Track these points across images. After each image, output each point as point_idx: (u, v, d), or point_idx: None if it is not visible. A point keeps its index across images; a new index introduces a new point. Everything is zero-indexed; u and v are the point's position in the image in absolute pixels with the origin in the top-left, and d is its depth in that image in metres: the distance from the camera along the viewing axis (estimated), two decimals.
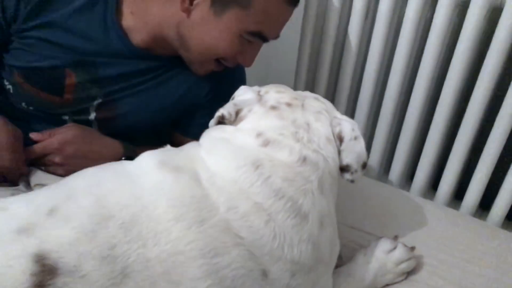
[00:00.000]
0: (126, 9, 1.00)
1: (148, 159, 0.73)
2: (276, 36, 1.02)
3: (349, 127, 0.80)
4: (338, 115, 0.84)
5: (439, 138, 1.24)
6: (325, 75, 1.34)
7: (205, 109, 1.06)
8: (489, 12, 1.09)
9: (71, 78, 1.00)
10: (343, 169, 0.79)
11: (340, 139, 0.80)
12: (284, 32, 1.03)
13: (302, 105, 0.82)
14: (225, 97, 0.87)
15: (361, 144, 0.80)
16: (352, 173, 0.79)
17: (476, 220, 1.14)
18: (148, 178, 0.70)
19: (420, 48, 1.21)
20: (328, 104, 0.87)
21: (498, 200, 1.20)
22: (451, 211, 1.16)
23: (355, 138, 0.80)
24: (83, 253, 0.60)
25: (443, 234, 1.03)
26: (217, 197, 0.69)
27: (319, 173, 0.74)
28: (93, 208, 0.65)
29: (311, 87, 1.40)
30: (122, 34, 1.00)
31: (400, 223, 1.05)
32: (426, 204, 1.15)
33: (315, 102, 0.84)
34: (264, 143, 0.74)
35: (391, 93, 1.26)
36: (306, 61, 1.35)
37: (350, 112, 1.38)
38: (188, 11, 0.96)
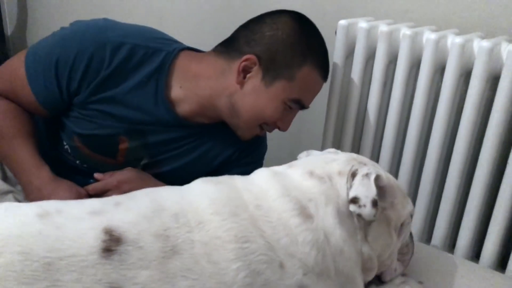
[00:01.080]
0: (176, 84, 1.16)
1: (196, 181, 0.94)
2: (309, 105, 1.21)
3: (365, 168, 0.89)
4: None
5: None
6: (349, 141, 1.49)
7: (232, 165, 1.26)
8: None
9: (124, 144, 1.17)
10: (352, 201, 0.86)
11: (353, 175, 0.89)
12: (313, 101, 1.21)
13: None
14: (247, 154, 1.18)
15: (371, 181, 0.86)
16: (360, 206, 0.85)
17: None
18: (194, 187, 0.92)
19: (432, 114, 1.34)
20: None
21: None
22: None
23: (367, 175, 0.87)
24: (142, 230, 0.78)
25: None
26: (248, 198, 0.88)
27: (325, 188, 0.89)
28: (150, 203, 0.84)
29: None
30: (169, 106, 1.15)
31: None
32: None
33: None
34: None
35: (407, 156, 1.38)
36: (332, 128, 1.51)
37: None
38: (242, 83, 1.13)
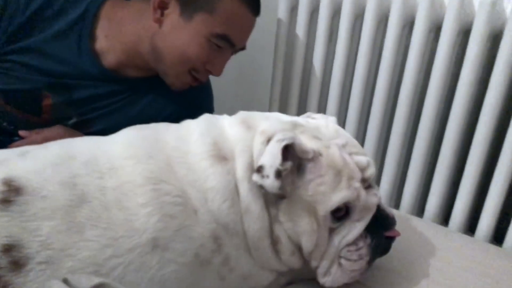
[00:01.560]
0: (101, 33, 1.10)
1: (123, 129, 0.88)
2: (243, 45, 1.13)
3: (283, 134, 0.78)
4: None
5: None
6: (296, 95, 1.43)
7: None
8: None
9: (48, 100, 1.08)
10: (257, 170, 0.76)
11: (269, 140, 0.79)
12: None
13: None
14: (193, 112, 0.97)
15: (279, 148, 0.76)
16: (263, 176, 0.76)
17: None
18: (117, 134, 0.86)
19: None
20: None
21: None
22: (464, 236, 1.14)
23: (279, 141, 0.77)
24: (46, 179, 0.73)
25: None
26: (169, 140, 0.83)
27: (248, 137, 0.82)
28: (59, 151, 0.79)
29: (284, 105, 1.48)
30: (94, 58, 1.08)
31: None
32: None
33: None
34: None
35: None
36: (279, 83, 1.46)
37: None
38: (160, 22, 1.06)
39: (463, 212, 1.22)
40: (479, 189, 1.25)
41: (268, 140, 0.79)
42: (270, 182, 0.74)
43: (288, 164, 0.76)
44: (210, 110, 1.24)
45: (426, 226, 1.17)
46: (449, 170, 1.23)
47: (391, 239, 0.89)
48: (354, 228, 0.83)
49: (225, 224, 0.79)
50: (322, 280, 0.85)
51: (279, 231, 0.81)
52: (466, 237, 1.16)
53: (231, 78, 1.52)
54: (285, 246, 0.83)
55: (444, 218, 1.31)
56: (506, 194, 1.17)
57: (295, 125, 0.84)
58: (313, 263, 0.85)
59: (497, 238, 1.22)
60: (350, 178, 0.80)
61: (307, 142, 0.80)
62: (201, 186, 0.78)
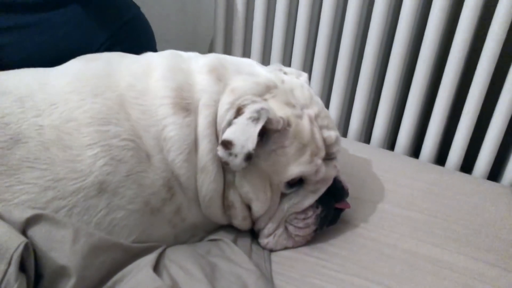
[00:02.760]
0: None
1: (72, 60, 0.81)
2: None
3: (258, 107, 0.74)
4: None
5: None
6: (241, 26, 1.39)
7: None
8: None
9: None
10: (223, 143, 0.72)
11: (239, 110, 0.75)
12: None
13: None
14: (124, 50, 0.87)
15: (255, 130, 0.72)
16: (230, 154, 0.72)
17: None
18: (62, 66, 0.79)
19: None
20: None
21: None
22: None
23: (255, 120, 0.72)
24: None
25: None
26: (123, 76, 0.77)
27: (215, 90, 0.78)
28: None
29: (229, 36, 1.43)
30: None
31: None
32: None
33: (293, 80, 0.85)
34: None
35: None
36: (222, 15, 1.39)
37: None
38: None
39: (407, 137, 1.26)
40: (423, 114, 1.28)
41: (239, 109, 0.74)
42: (238, 163, 0.72)
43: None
44: (151, 38, 1.16)
45: (373, 150, 1.21)
46: (394, 96, 1.25)
47: (341, 210, 0.89)
48: (307, 199, 0.82)
49: (178, 176, 0.76)
50: (264, 240, 0.84)
51: (233, 196, 0.80)
52: (411, 159, 1.20)
53: (174, 10, 1.44)
54: (238, 211, 0.81)
55: (391, 143, 1.35)
56: (447, 117, 1.21)
57: (268, 87, 0.80)
58: (259, 225, 0.84)
59: (440, 160, 1.27)
60: (314, 154, 0.79)
61: (279, 110, 0.77)
62: (158, 133, 0.74)
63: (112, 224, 0.71)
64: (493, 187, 1.10)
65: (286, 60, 1.37)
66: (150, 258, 0.68)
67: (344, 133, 1.36)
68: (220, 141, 0.74)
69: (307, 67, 1.35)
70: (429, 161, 1.23)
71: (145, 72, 0.79)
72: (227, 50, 1.43)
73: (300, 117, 0.80)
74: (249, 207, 0.82)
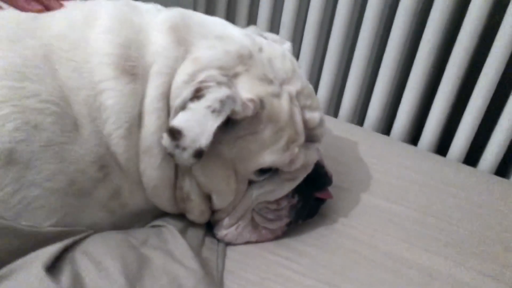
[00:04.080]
0: None
1: None
2: None
3: (222, 93, 0.59)
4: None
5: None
6: None
7: None
8: None
9: None
10: (170, 131, 0.58)
11: (198, 91, 0.60)
12: None
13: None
14: None
15: (214, 124, 0.58)
16: (177, 146, 0.58)
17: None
18: None
19: None
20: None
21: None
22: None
23: (216, 112, 0.59)
24: None
25: None
26: (56, 21, 0.63)
27: (175, 56, 0.64)
28: None
29: None
30: None
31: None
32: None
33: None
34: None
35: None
36: None
37: None
38: None
39: (406, 121, 1.10)
40: (425, 95, 1.12)
41: (198, 89, 0.59)
42: (185, 158, 0.59)
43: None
44: None
45: (365, 134, 1.06)
46: (394, 73, 1.09)
47: (321, 201, 0.75)
48: (281, 188, 0.70)
49: (115, 154, 0.62)
50: (222, 232, 0.71)
51: (189, 186, 0.66)
52: (408, 146, 1.05)
53: None
54: (195, 205, 0.68)
55: (387, 128, 1.19)
56: (453, 101, 1.06)
57: (241, 57, 0.65)
58: (219, 215, 0.70)
59: (441, 150, 1.12)
60: (291, 140, 0.66)
61: (251, 88, 0.63)
62: (91, 99, 0.60)
63: (22, 203, 0.57)
64: (501, 183, 0.95)
65: (275, 28, 1.21)
66: (49, 250, 0.54)
67: (335, 113, 1.21)
68: (167, 129, 0.59)
69: (298, 36, 1.19)
70: (429, 150, 1.07)
71: (87, 20, 0.65)
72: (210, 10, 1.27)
73: (277, 95, 0.66)
74: (209, 197, 0.68)
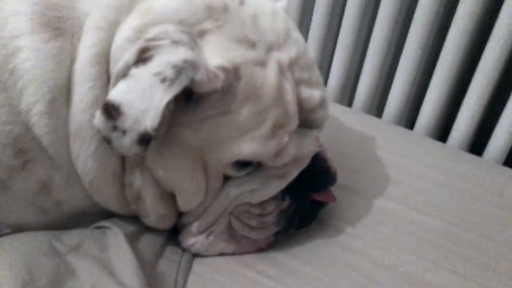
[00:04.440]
0: None
1: None
2: None
3: (177, 59, 0.44)
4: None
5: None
6: None
7: None
8: None
9: None
10: (105, 108, 0.43)
11: (143, 52, 0.44)
12: None
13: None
14: None
15: (164, 99, 0.43)
16: (115, 128, 0.43)
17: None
18: None
19: None
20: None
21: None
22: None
23: (169, 81, 0.43)
24: None
25: None
26: None
27: (116, 7, 0.49)
28: None
29: None
30: None
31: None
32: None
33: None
34: None
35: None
36: None
37: None
38: None
39: (432, 115, 0.93)
40: (456, 87, 0.94)
41: (143, 49, 0.44)
42: (126, 145, 0.44)
43: (170, 107, 0.44)
44: None
45: (384, 127, 0.88)
46: (416, 66, 0.92)
47: (320, 205, 0.59)
48: (266, 187, 0.54)
49: (36, 136, 0.47)
50: (189, 240, 0.55)
51: (142, 183, 0.51)
52: (435, 143, 0.87)
53: None
54: (150, 208, 0.52)
55: (411, 121, 1.02)
56: (487, 100, 0.87)
57: (211, 10, 0.49)
58: (187, 219, 0.55)
59: (476, 149, 0.93)
60: (279, 125, 0.50)
61: (222, 52, 0.47)
62: (1, 60, 0.46)
63: None
64: None
65: None
66: None
67: (349, 103, 1.03)
68: (102, 106, 0.44)
69: (307, 12, 1.02)
70: (460, 149, 0.89)
71: None
72: None
73: (262, 64, 0.50)
74: (172, 197, 0.53)
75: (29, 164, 0.48)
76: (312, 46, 1.00)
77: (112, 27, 0.48)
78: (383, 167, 0.74)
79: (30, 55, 0.46)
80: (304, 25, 1.03)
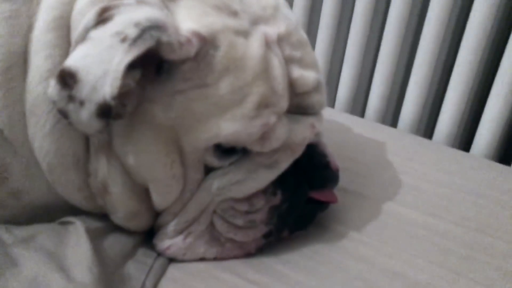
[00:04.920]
0: None
1: None
2: None
3: (140, 16, 0.39)
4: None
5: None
6: None
7: None
8: None
9: None
10: (61, 75, 0.38)
11: (104, 12, 0.39)
12: None
13: None
14: None
15: (123, 61, 0.37)
16: (71, 98, 0.38)
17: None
18: None
19: None
20: None
21: None
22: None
23: (127, 40, 0.38)
24: None
25: None
26: None
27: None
28: None
29: None
30: None
31: None
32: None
33: None
34: None
35: None
36: None
37: None
38: None
39: (452, 124, 0.85)
40: (478, 94, 0.87)
41: (104, 9, 0.39)
42: (86, 121, 0.39)
43: (136, 76, 0.39)
44: None
45: (399, 135, 0.81)
46: (430, 74, 0.85)
47: (320, 205, 0.52)
48: (254, 178, 0.47)
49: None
50: (164, 243, 0.48)
51: (106, 171, 0.45)
52: (456, 151, 0.78)
53: None
54: (118, 202, 0.46)
55: (430, 131, 0.94)
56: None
57: None
58: (163, 218, 0.48)
59: (503, 158, 0.84)
60: (264, 103, 0.44)
61: (198, 17, 0.43)
62: None
63: None
64: None
65: None
66: None
67: (361, 113, 0.96)
68: (58, 72, 0.38)
69: (314, 19, 0.97)
70: (485, 157, 0.80)
71: None
72: None
73: (244, 34, 0.44)
74: (146, 192, 0.46)
75: None
76: (321, 56, 0.94)
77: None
78: (395, 172, 0.66)
79: None
80: (311, 36, 0.98)
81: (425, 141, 0.82)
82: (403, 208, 0.59)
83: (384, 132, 0.79)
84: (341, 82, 0.94)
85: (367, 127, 0.80)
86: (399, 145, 0.74)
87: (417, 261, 0.50)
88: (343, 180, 0.56)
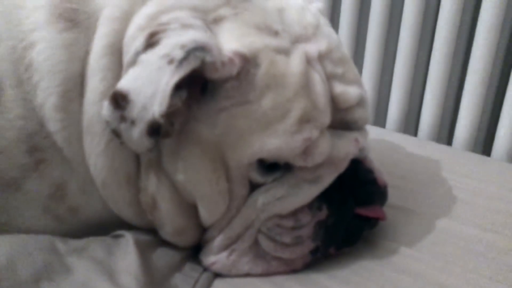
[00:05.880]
0: None
1: None
2: None
3: (185, 39, 0.41)
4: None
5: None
6: None
7: None
8: None
9: None
10: (114, 97, 0.40)
11: (152, 37, 0.42)
12: None
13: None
14: None
15: (169, 84, 0.39)
16: (124, 118, 0.40)
17: None
18: None
19: None
20: None
21: None
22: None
23: (177, 62, 0.39)
24: None
25: None
26: None
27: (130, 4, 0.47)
28: None
29: None
30: None
31: None
32: None
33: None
34: None
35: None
36: None
37: None
38: None
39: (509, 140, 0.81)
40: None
41: (152, 34, 0.42)
42: (137, 139, 0.41)
43: (182, 96, 0.41)
44: None
45: (455, 153, 0.78)
46: (486, 82, 0.82)
47: (367, 221, 0.51)
48: (297, 192, 0.47)
49: (50, 133, 0.46)
50: (210, 258, 0.49)
51: (156, 188, 0.46)
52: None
53: None
54: (166, 217, 0.47)
55: (488, 148, 0.90)
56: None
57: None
58: (210, 234, 0.49)
59: None
60: (306, 118, 0.44)
61: (238, 37, 0.44)
62: (19, 53, 0.46)
63: None
64: None
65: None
66: None
67: (414, 132, 0.94)
68: (111, 96, 0.41)
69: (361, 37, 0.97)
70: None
71: None
72: None
73: (285, 52, 0.45)
74: (194, 208, 0.47)
75: (42, 164, 0.46)
76: (370, 74, 0.93)
77: (127, 17, 0.46)
78: (446, 187, 0.64)
79: (45, 46, 0.45)
80: (359, 55, 0.98)
81: (476, 155, 0.78)
82: (455, 223, 0.56)
83: (438, 150, 0.77)
84: (391, 101, 0.92)
85: (420, 146, 0.78)
86: (450, 161, 0.72)
87: (471, 275, 0.48)
88: (394, 197, 0.55)
